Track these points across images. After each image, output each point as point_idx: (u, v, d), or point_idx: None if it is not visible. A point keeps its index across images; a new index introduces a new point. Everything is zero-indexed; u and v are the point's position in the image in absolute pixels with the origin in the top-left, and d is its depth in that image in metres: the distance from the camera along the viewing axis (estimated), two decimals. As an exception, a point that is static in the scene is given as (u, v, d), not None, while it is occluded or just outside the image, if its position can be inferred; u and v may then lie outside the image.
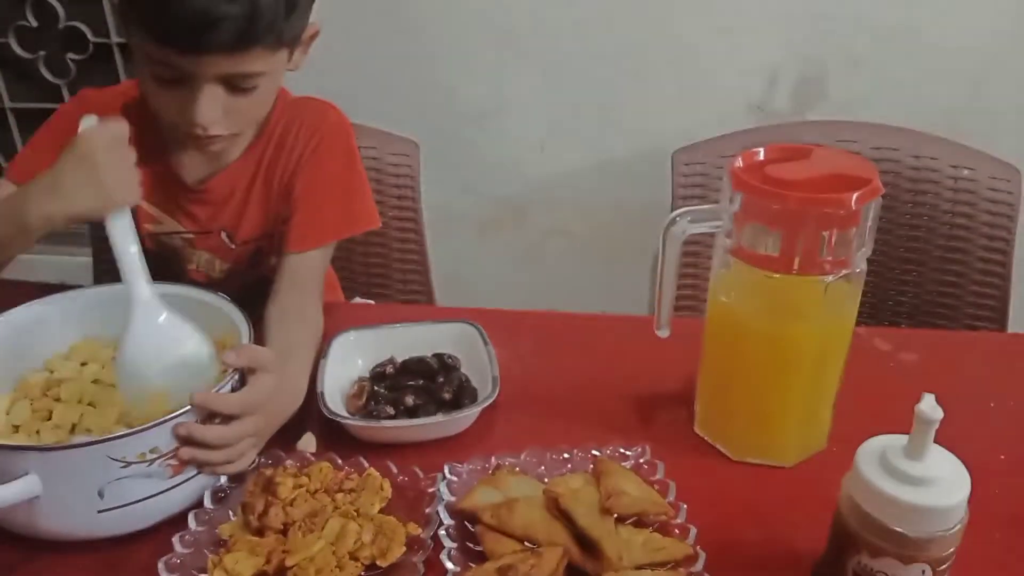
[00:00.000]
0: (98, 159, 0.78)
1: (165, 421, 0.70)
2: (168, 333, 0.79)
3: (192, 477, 0.74)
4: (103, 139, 0.79)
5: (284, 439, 0.83)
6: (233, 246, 1.08)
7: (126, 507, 0.70)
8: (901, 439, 0.62)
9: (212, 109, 0.88)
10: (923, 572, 0.61)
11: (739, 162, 0.76)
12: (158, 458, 0.70)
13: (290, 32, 0.90)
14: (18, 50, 1.86)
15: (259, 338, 0.83)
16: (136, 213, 0.98)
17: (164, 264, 1.08)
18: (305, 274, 1.00)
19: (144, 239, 1.06)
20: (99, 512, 0.70)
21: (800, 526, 0.73)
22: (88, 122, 0.81)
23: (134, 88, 1.01)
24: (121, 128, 0.81)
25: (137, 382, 0.77)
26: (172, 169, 1.03)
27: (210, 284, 1.05)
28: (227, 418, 0.73)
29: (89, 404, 0.82)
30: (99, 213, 0.78)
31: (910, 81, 1.51)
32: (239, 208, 1.06)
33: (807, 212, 0.70)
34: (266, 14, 0.84)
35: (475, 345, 0.94)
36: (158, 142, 1.01)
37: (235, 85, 0.89)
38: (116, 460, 0.68)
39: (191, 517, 0.72)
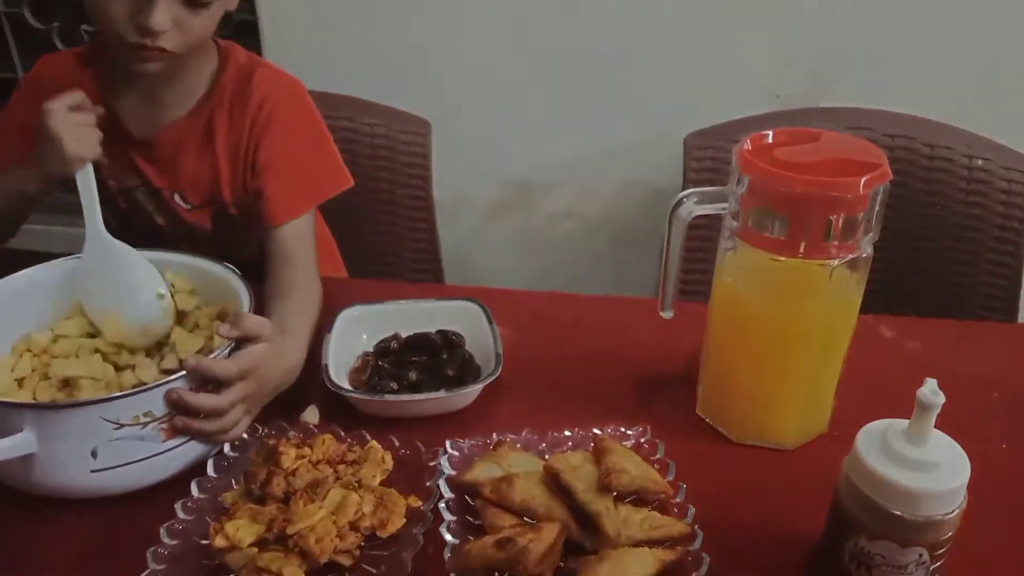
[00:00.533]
0: (56, 124, 0.88)
1: (159, 385, 0.71)
2: (117, 263, 0.89)
3: (186, 442, 0.75)
4: (59, 108, 0.89)
5: (288, 411, 0.83)
6: (187, 206, 1.09)
7: (119, 468, 0.72)
8: (902, 423, 0.62)
9: (166, 16, 0.90)
10: (920, 556, 0.61)
11: (747, 144, 0.76)
12: (152, 421, 0.71)
13: None
14: (32, 20, 1.86)
15: (258, 309, 0.83)
16: (100, 171, 1.02)
17: (134, 218, 1.11)
18: (292, 245, 1.01)
19: (116, 198, 1.10)
20: (92, 472, 0.71)
21: (799, 508, 0.73)
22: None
23: (90, 49, 1.07)
24: (75, 96, 0.91)
25: (95, 302, 0.88)
26: (121, 122, 1.04)
27: (182, 236, 1.11)
28: (219, 385, 0.74)
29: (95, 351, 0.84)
30: (64, 171, 0.89)
31: (925, 70, 1.49)
32: (188, 169, 1.06)
33: (814, 196, 0.70)
34: None
35: (479, 323, 0.94)
36: (107, 96, 1.03)
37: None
38: (110, 422, 0.69)
39: (194, 484, 0.73)
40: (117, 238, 0.90)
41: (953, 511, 0.60)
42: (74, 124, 0.89)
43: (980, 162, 1.32)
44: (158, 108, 1.04)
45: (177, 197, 1.08)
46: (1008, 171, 1.31)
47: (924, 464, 0.60)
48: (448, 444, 0.78)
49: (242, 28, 1.57)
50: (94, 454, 0.70)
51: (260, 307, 0.82)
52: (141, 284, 0.88)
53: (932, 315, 1.03)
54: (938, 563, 0.62)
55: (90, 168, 0.90)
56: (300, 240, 1.02)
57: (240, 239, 1.11)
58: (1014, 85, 1.32)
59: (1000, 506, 0.75)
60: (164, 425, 0.72)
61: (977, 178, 1.33)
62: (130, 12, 0.90)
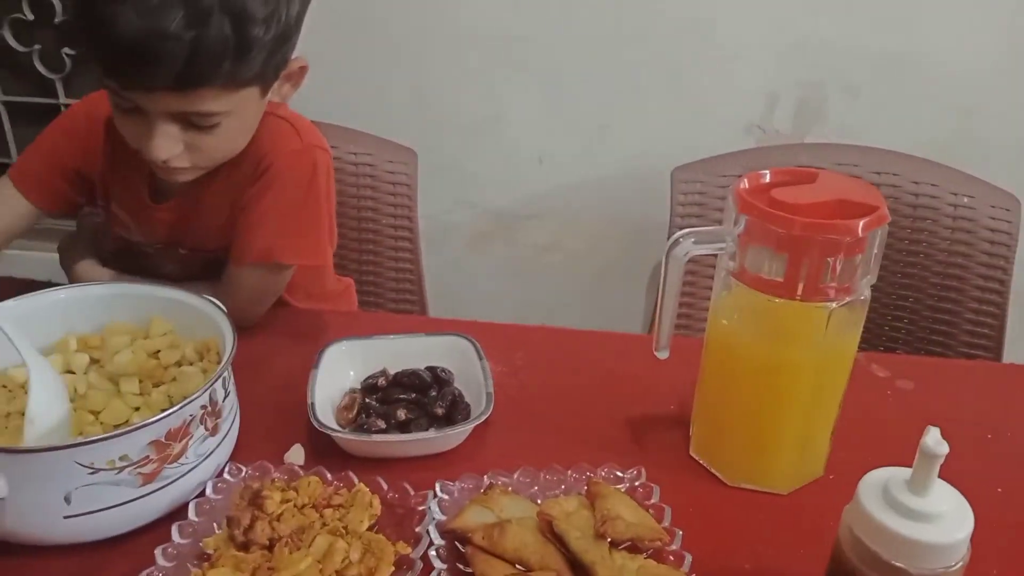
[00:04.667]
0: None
1: (136, 428, 0.68)
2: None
3: (164, 487, 0.72)
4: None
5: (272, 451, 0.81)
6: (183, 251, 1.08)
7: (94, 514, 0.69)
8: (904, 472, 0.61)
9: (167, 145, 0.87)
10: (922, 608, 0.60)
11: (744, 184, 0.75)
12: (128, 466, 0.69)
13: (249, 71, 0.86)
14: (13, 43, 1.84)
15: (242, 344, 0.80)
16: (109, 217, 1.05)
17: (122, 259, 1.11)
18: (241, 287, 1.02)
19: (114, 241, 1.10)
20: (65, 517, 0.68)
21: (795, 555, 0.72)
22: None
23: None
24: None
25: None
26: (146, 180, 1.04)
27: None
28: None
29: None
30: None
31: (906, 108, 1.51)
32: (194, 219, 1.05)
33: (813, 238, 0.69)
34: (211, 56, 0.80)
35: (469, 359, 0.92)
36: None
37: (192, 122, 0.87)
38: (84, 466, 0.67)
39: (174, 529, 0.70)
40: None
41: (957, 563, 0.59)
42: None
43: (966, 200, 1.33)
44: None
45: (178, 248, 1.08)
46: (994, 209, 1.33)
47: (928, 515, 0.59)
48: (438, 487, 0.76)
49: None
50: (68, 499, 0.68)
51: (243, 344, 0.80)
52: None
53: (918, 352, 1.03)
54: (940, 615, 0.61)
55: None
56: (248, 290, 1.02)
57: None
58: (991, 126, 1.34)
59: (999, 552, 0.74)
60: (141, 469, 0.69)
61: (963, 215, 1.34)
62: (138, 134, 0.88)
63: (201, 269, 1.09)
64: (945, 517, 0.59)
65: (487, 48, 1.55)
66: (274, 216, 1.01)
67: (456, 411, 0.87)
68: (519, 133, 1.63)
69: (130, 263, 1.10)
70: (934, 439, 0.59)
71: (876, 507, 0.60)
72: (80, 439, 0.67)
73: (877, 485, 0.61)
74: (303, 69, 0.98)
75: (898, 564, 0.59)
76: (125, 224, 1.08)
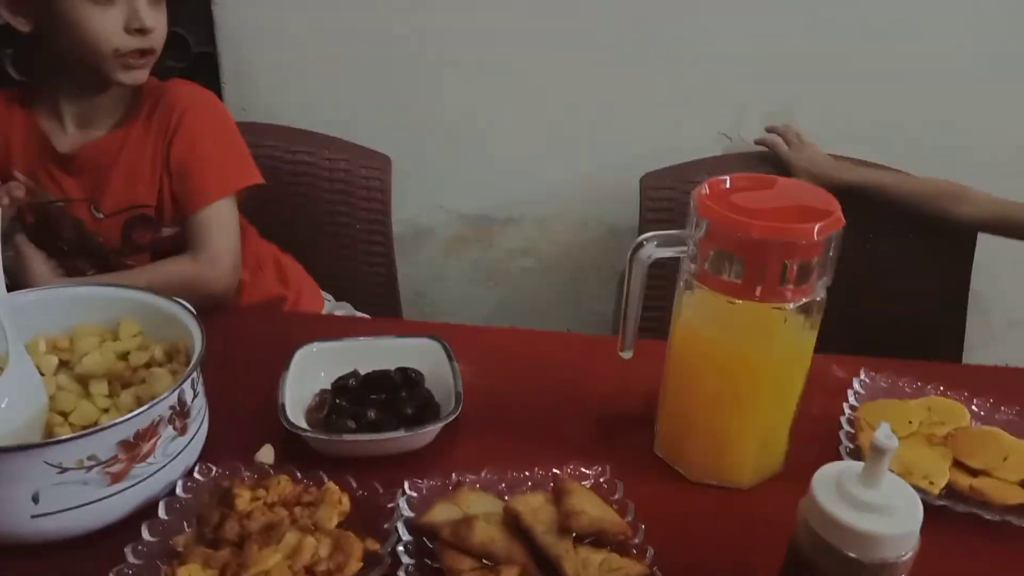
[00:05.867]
0: None
1: (104, 429, 0.69)
2: None
3: (132, 486, 0.73)
4: None
5: (243, 451, 0.82)
6: (100, 216, 1.16)
7: (62, 513, 0.69)
8: (856, 466, 0.63)
9: (153, 14, 1.06)
10: (874, 598, 0.62)
11: (705, 189, 0.77)
12: (96, 465, 0.69)
13: None
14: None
15: (213, 345, 0.81)
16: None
17: (40, 233, 1.19)
18: (199, 230, 1.14)
19: (26, 212, 1.17)
20: (33, 517, 0.69)
21: (755, 548, 0.74)
22: None
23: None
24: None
25: None
26: (46, 139, 1.15)
27: (84, 251, 1.19)
28: None
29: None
30: None
31: (874, 118, 1.55)
32: (107, 179, 1.15)
33: (770, 241, 0.71)
34: None
35: (439, 360, 0.93)
36: (34, 114, 1.16)
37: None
38: (52, 465, 0.67)
39: (144, 528, 0.71)
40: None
41: (907, 554, 0.61)
42: None
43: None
44: (83, 125, 1.16)
45: (92, 207, 1.17)
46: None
47: (879, 507, 0.61)
48: (407, 485, 0.77)
49: (201, 60, 1.56)
50: (35, 498, 0.68)
51: (214, 346, 0.81)
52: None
53: (879, 355, 1.05)
54: (892, 605, 0.63)
55: None
56: (207, 227, 1.14)
57: (143, 249, 1.20)
58: (964, 135, 1.37)
59: (947, 545, 0.76)
60: (110, 469, 0.70)
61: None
62: (125, 20, 1.04)
63: (104, 233, 1.18)
64: (896, 509, 0.62)
65: (461, 55, 1.56)
66: (213, 151, 1.17)
67: (426, 411, 0.88)
68: (493, 139, 1.64)
69: (45, 234, 1.19)
70: (884, 433, 0.61)
71: (829, 500, 0.62)
72: (48, 439, 0.67)
73: (831, 478, 0.64)
74: None
75: (851, 554, 0.61)
76: (31, 188, 1.14)
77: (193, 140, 1.15)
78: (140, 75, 1.10)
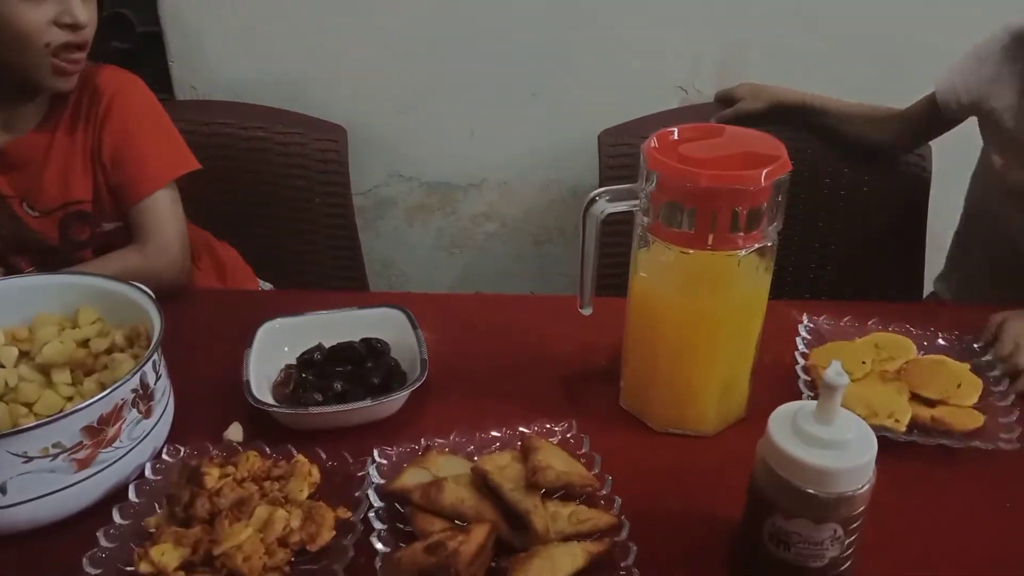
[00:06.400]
0: None
1: (67, 415, 0.69)
2: None
3: (100, 471, 0.73)
4: None
5: (210, 430, 0.82)
6: (35, 214, 1.13)
7: (31, 502, 0.70)
8: (811, 404, 0.65)
9: (87, 8, 1.03)
10: (835, 532, 0.64)
11: (653, 142, 0.78)
12: (61, 453, 0.69)
13: None
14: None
15: (176, 327, 0.81)
16: None
17: None
18: (143, 220, 1.12)
19: None
20: (1, 508, 0.69)
21: (720, 493, 0.76)
22: None
23: None
24: None
25: None
26: None
27: (23, 248, 1.15)
28: None
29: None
30: None
31: (827, 67, 1.55)
32: (39, 176, 1.12)
33: (718, 189, 0.72)
34: None
35: (404, 329, 0.94)
36: None
37: None
38: (17, 455, 0.67)
39: (115, 511, 0.71)
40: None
41: (863, 486, 0.63)
42: None
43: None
44: (12, 121, 1.11)
45: (25, 205, 1.13)
46: (914, 155, 1.38)
47: (833, 443, 0.62)
48: (376, 453, 0.78)
49: (146, 39, 1.53)
50: (3, 489, 0.68)
51: (176, 328, 0.80)
52: None
53: (841, 299, 1.07)
54: (852, 537, 0.65)
55: None
56: (151, 216, 1.12)
57: (83, 246, 1.16)
58: (913, 80, 1.38)
59: (905, 477, 0.78)
60: (76, 455, 0.70)
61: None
62: (56, 14, 1.01)
63: (42, 231, 1.14)
64: (850, 444, 0.63)
65: (412, 18, 1.54)
66: (148, 138, 1.14)
67: (392, 380, 0.88)
68: (450, 105, 1.63)
69: None
70: (835, 371, 0.62)
71: (785, 438, 0.64)
72: (10, 429, 0.67)
73: (786, 418, 0.65)
74: None
75: (809, 490, 0.63)
76: None
77: (125, 128, 1.12)
78: (74, 80, 1.07)
